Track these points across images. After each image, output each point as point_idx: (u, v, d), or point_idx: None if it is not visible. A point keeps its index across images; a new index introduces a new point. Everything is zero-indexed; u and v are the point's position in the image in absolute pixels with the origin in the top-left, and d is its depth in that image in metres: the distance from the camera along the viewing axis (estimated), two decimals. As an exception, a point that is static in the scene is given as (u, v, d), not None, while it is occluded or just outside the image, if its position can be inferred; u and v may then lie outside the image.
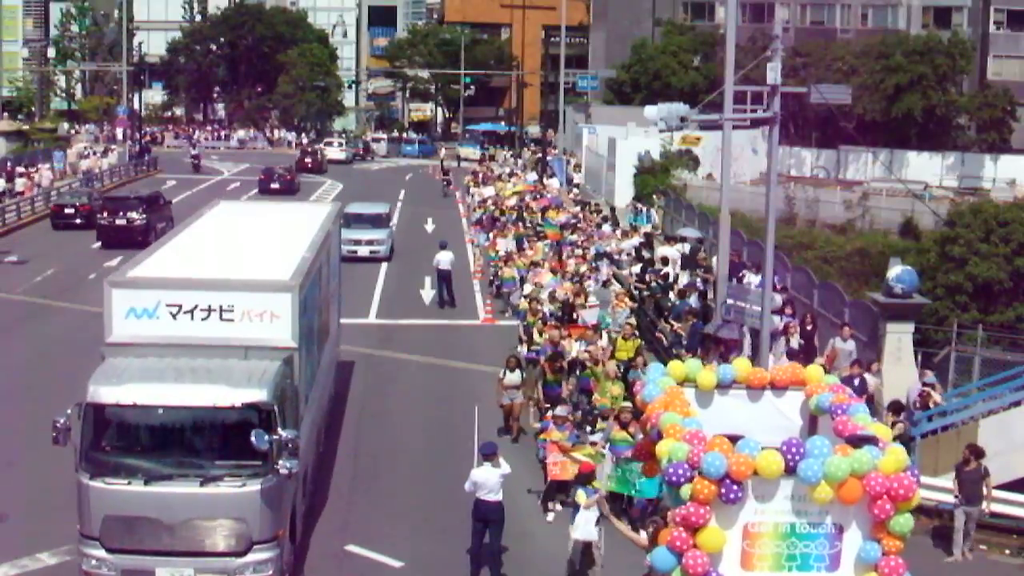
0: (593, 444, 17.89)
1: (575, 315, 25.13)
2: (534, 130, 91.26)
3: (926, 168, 64.05)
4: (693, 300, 26.54)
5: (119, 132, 77.74)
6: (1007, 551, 17.96)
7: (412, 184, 68.31)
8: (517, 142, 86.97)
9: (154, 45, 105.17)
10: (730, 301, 23.05)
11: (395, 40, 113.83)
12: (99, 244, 41.12)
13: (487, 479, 15.30)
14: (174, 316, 14.89)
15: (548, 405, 20.01)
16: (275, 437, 13.80)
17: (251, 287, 15.29)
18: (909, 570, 9.96)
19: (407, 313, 32.10)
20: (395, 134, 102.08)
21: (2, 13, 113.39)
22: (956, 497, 17.34)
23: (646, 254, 33.53)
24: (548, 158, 64.21)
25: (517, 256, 33.30)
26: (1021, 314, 34.47)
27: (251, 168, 70.88)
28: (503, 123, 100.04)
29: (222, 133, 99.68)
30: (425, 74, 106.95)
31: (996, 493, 17.90)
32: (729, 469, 9.66)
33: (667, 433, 10.25)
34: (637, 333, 23.81)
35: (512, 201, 45.62)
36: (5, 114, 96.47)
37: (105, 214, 42.05)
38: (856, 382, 19.14)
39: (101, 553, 13.78)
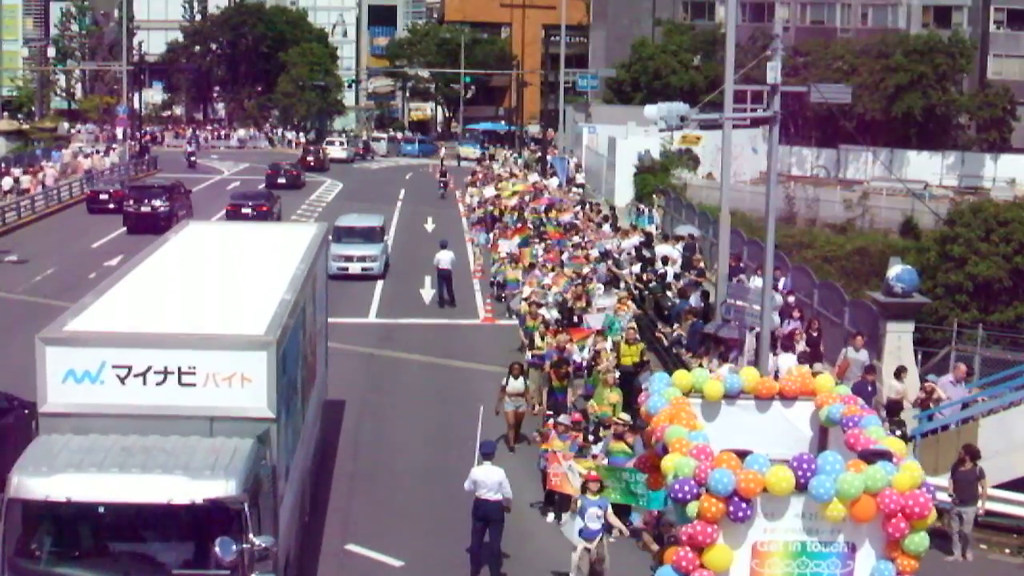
0: (594, 456, 17.51)
1: (576, 318, 24.94)
2: (534, 130, 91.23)
3: (926, 167, 64.02)
4: (693, 300, 26.49)
5: (119, 132, 77.73)
6: (1007, 551, 17.97)
7: (412, 183, 68.30)
8: (517, 142, 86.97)
9: (154, 45, 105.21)
10: (730, 301, 23.05)
11: (395, 40, 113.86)
12: (124, 230, 43.93)
13: (487, 478, 15.30)
14: (122, 380, 12.20)
15: (551, 413, 19.68)
16: (245, 546, 11.21)
17: (218, 344, 12.52)
18: None
19: (407, 312, 32.09)
20: (392, 133, 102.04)
21: (2, 13, 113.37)
22: (951, 497, 17.35)
23: (646, 253, 33.51)
24: (549, 157, 64.21)
25: (520, 258, 33.03)
26: (1021, 313, 34.48)
27: (251, 168, 70.93)
28: (503, 123, 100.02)
29: (222, 132, 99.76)
30: (425, 73, 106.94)
31: (996, 492, 17.91)
32: (737, 486, 9.34)
33: (673, 447, 9.94)
34: (639, 337, 23.45)
35: (513, 201, 45.58)
36: (5, 114, 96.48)
37: (131, 202, 44.91)
38: (869, 388, 19.09)
39: None
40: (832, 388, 11.25)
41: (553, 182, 56.37)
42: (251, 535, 11.31)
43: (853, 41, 71.96)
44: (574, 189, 55.80)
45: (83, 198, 52.50)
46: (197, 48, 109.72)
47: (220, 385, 12.28)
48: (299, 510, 15.35)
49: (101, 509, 11.32)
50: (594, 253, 32.70)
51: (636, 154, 53.01)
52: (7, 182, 53.06)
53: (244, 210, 46.45)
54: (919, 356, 23.65)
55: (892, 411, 19.02)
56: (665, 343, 25.83)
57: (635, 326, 23.94)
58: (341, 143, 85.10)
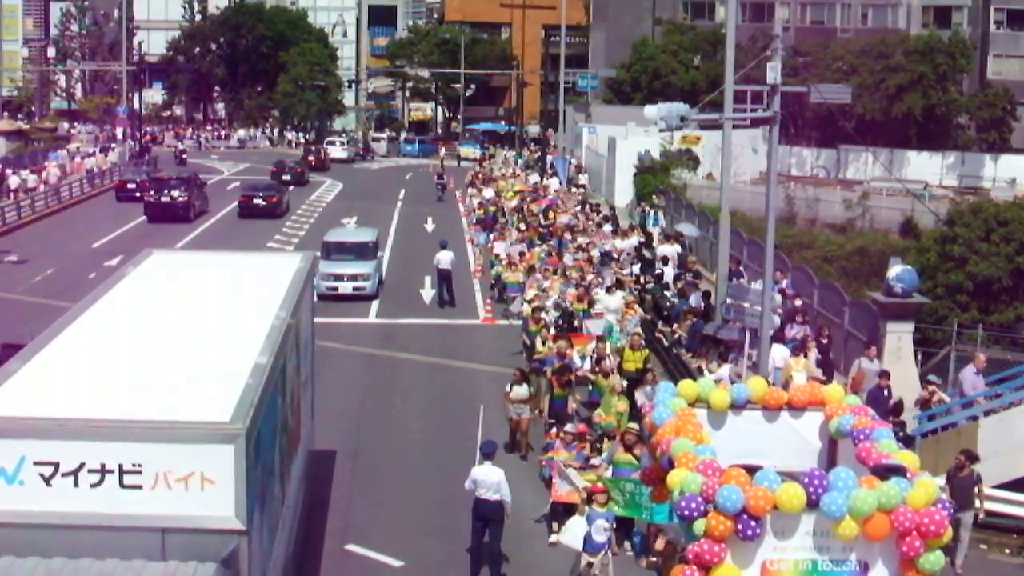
0: (594, 467, 17.07)
1: (576, 323, 24.74)
2: (534, 130, 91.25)
3: (926, 167, 64.05)
4: (693, 300, 26.45)
5: (119, 132, 77.80)
6: (1007, 551, 17.95)
7: (412, 183, 68.30)
8: (517, 142, 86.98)
9: (154, 45, 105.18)
10: (730, 301, 23.02)
11: (395, 40, 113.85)
12: (145, 218, 47.03)
13: (486, 478, 15.29)
14: (47, 480, 9.53)
15: (554, 421, 19.33)
16: None
17: (171, 434, 9.68)
18: None
19: (407, 312, 32.09)
20: (391, 134, 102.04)
21: (2, 12, 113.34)
22: (949, 503, 17.28)
23: (646, 254, 33.49)
24: (549, 157, 64.22)
25: (520, 260, 32.76)
26: (1021, 314, 34.47)
27: (251, 168, 70.98)
28: (503, 123, 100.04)
29: (222, 133, 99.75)
30: (425, 74, 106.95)
31: (996, 493, 17.89)
32: (747, 503, 9.07)
33: (679, 462, 9.67)
34: (644, 343, 22.95)
35: (514, 202, 45.54)
36: (5, 114, 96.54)
37: (151, 192, 48.22)
38: (885, 393, 19.00)
39: None
40: (842, 399, 11.01)
41: (553, 182, 56.38)
42: None
43: (853, 41, 71.98)
44: (574, 189, 55.81)
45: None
46: (197, 48, 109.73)
47: (174, 488, 9.58)
48: None
49: None
50: (595, 254, 32.59)
51: (636, 154, 53.01)
52: (14, 181, 54.09)
53: (256, 200, 49.67)
54: (919, 356, 23.64)
55: (894, 412, 19.00)
56: (665, 343, 25.80)
57: (640, 332, 23.52)
58: (341, 143, 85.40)
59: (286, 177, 61.10)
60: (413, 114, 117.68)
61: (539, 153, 66.75)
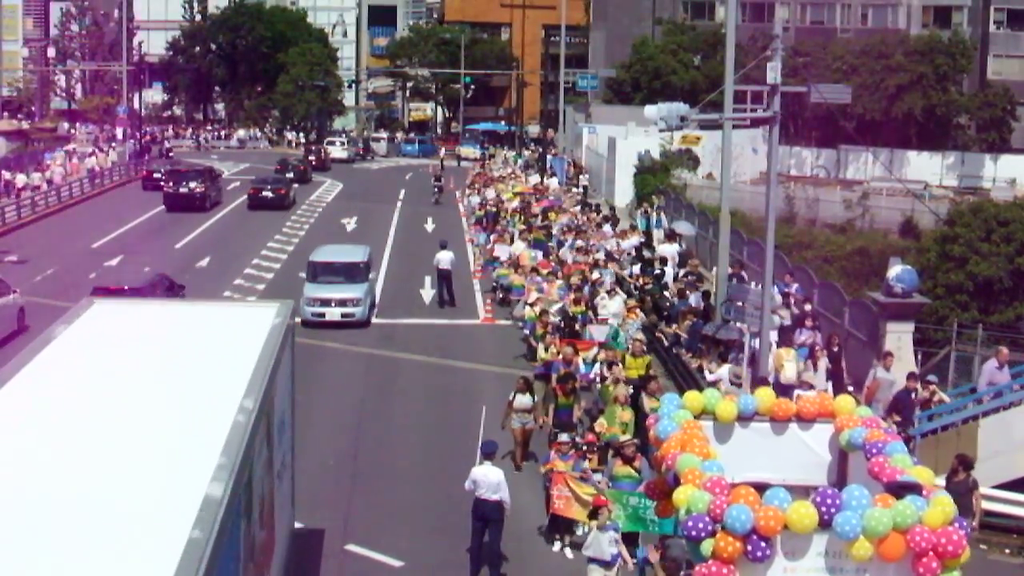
0: (587, 478, 16.40)
1: (576, 327, 24.42)
2: (534, 130, 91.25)
3: (926, 168, 64.10)
4: (693, 299, 26.43)
5: (119, 132, 77.81)
6: (1007, 551, 17.94)
7: (412, 184, 68.28)
8: (517, 142, 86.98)
9: (154, 45, 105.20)
10: (730, 301, 23.01)
11: (395, 40, 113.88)
12: (163, 208, 49.88)
13: (486, 478, 15.28)
14: None
15: (556, 430, 18.67)
16: None
17: None
18: None
19: (407, 313, 32.07)
20: (390, 133, 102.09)
21: (2, 13, 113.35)
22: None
23: (646, 254, 33.47)
24: (549, 157, 64.22)
25: (521, 262, 32.50)
26: (1021, 314, 34.48)
27: (251, 168, 70.96)
28: (503, 123, 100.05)
29: (222, 133, 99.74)
30: (425, 74, 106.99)
31: (996, 493, 17.88)
32: (756, 524, 8.76)
33: (685, 479, 9.35)
34: (646, 350, 22.51)
35: (515, 203, 45.48)
36: (5, 114, 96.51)
37: (170, 184, 50.78)
38: (913, 396, 18.88)
39: None
40: (853, 410, 10.69)
41: (553, 182, 56.39)
42: None
43: (853, 41, 72.02)
44: (574, 189, 55.79)
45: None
46: (197, 48, 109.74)
47: None
48: None
49: None
50: (600, 256, 32.16)
51: (636, 154, 53.01)
52: (20, 179, 54.79)
53: (264, 193, 52.69)
54: (919, 356, 23.62)
55: (897, 409, 18.96)
56: (665, 343, 25.79)
57: (642, 337, 23.00)
58: (342, 143, 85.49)
59: (289, 175, 61.81)
60: (413, 114, 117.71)
61: (539, 153, 66.75)
